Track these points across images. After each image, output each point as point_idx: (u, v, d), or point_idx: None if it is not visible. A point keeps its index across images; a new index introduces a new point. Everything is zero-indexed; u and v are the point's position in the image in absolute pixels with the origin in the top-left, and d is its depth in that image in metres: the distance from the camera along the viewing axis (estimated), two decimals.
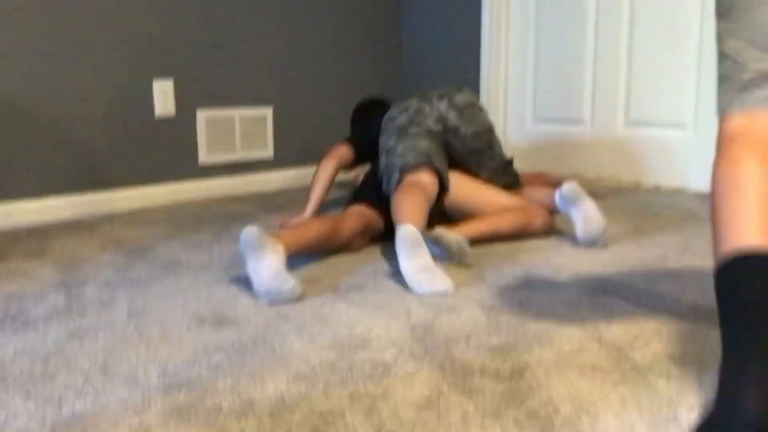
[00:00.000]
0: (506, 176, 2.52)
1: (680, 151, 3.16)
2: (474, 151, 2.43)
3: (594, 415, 1.12)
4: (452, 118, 2.38)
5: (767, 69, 1.15)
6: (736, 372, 0.98)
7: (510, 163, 2.56)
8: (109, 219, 2.69)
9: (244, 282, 1.84)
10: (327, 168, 2.59)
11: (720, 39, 1.22)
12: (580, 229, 2.18)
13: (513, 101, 3.69)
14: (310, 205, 2.55)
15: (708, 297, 1.69)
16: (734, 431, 0.93)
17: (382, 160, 2.35)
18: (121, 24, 2.82)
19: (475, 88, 3.63)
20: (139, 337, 1.49)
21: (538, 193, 2.47)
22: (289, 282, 1.71)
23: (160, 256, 2.13)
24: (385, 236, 2.24)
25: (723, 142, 1.19)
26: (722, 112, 1.23)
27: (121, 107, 2.86)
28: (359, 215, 2.22)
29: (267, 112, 3.34)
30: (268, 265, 1.72)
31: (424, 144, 2.30)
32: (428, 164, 2.23)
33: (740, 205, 1.10)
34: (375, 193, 2.31)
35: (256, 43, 3.26)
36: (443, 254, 1.99)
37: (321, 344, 1.43)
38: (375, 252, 2.16)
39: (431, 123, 2.36)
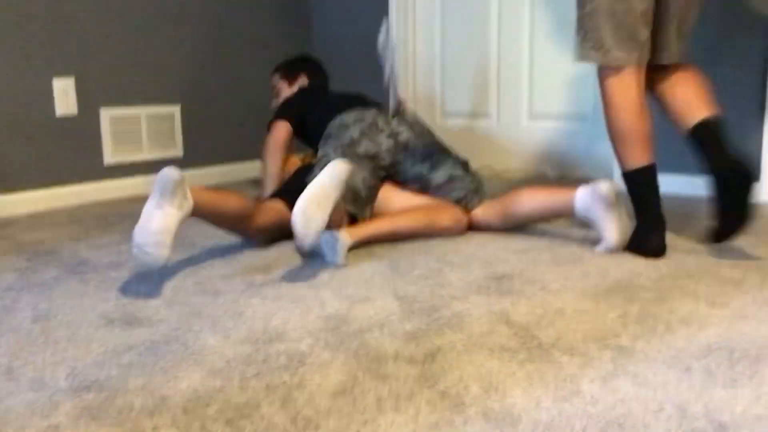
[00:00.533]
0: (468, 178, 2.37)
1: (582, 142, 3.29)
2: (426, 157, 2.36)
3: (502, 392, 1.17)
4: (403, 132, 2.37)
5: None
6: (645, 227, 2.00)
7: (466, 164, 2.43)
8: (11, 223, 2.58)
9: (156, 280, 1.81)
10: (276, 162, 2.56)
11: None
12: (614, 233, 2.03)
13: (422, 97, 3.75)
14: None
15: (609, 278, 1.77)
16: (647, 253, 1.97)
17: (319, 163, 2.33)
18: (18, 21, 2.71)
19: None
20: (45, 340, 1.44)
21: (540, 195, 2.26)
22: (164, 249, 1.66)
23: (65, 259, 2.07)
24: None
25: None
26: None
27: (20, 107, 2.75)
28: (277, 212, 2.17)
29: (174, 110, 3.27)
30: (162, 218, 1.67)
31: (357, 179, 2.23)
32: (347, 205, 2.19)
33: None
34: (299, 193, 2.23)
35: (161, 39, 3.19)
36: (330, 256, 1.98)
37: (236, 338, 1.43)
38: (289, 247, 2.16)
39: (383, 139, 2.34)
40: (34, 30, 2.76)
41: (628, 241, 2.02)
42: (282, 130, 2.62)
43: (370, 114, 2.40)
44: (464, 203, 2.30)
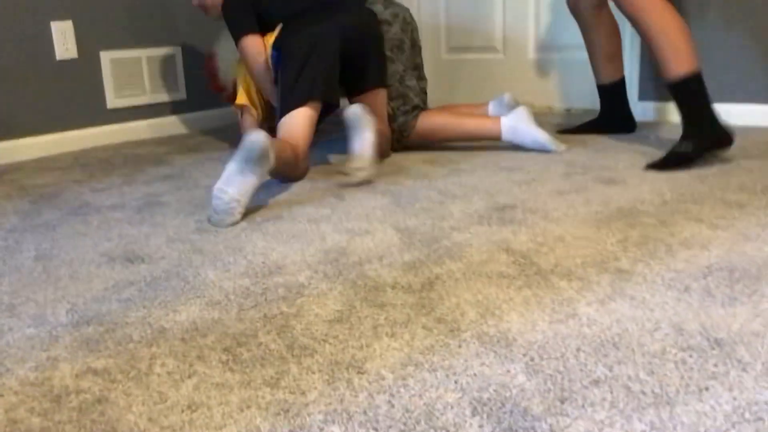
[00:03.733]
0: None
1: (588, 73, 3.22)
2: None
3: (498, 317, 1.17)
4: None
5: None
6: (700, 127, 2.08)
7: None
8: (14, 168, 2.59)
9: (158, 219, 1.82)
10: (266, 72, 2.43)
11: None
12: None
13: (426, 32, 3.67)
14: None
15: (612, 206, 1.75)
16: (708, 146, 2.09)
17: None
18: None
19: None
20: (46, 278, 1.45)
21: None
22: (236, 216, 1.76)
23: (68, 201, 2.07)
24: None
25: None
26: None
27: (19, 52, 2.72)
28: (310, 120, 2.15)
29: (176, 52, 3.23)
30: (241, 184, 1.75)
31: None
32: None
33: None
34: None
35: None
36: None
37: (235, 272, 1.43)
38: (293, 185, 2.15)
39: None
40: None
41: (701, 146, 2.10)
42: (254, 41, 2.42)
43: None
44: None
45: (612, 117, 2.68)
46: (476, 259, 1.43)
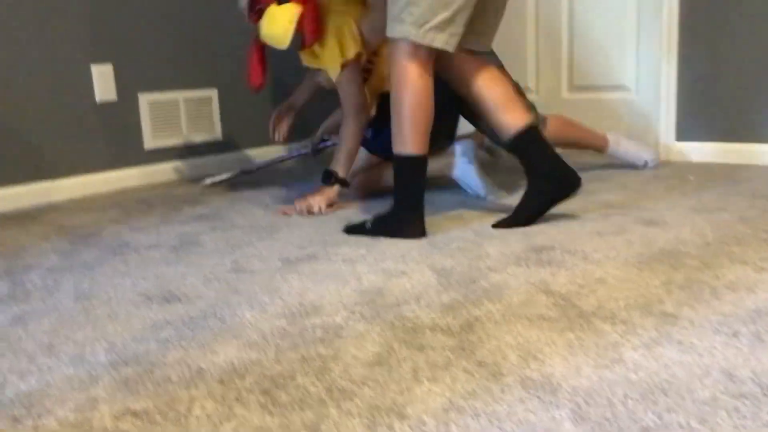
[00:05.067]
0: None
1: (624, 113, 3.20)
2: None
3: (541, 360, 1.14)
4: None
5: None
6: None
7: None
8: (53, 208, 2.63)
9: (194, 259, 1.83)
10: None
11: None
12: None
13: None
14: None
15: (654, 247, 1.72)
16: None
17: None
18: (56, 9, 2.74)
19: None
20: (85, 317, 1.46)
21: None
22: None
23: (106, 240, 2.09)
24: None
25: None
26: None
27: (60, 94, 2.78)
28: None
29: (212, 94, 3.29)
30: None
31: None
32: None
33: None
34: None
35: (197, 22, 3.20)
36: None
37: (272, 313, 1.43)
38: (323, 220, 2.15)
39: None
40: (72, 18, 2.79)
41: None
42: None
43: None
44: None
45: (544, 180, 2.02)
46: (515, 301, 1.41)
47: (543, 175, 1.98)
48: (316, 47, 2.30)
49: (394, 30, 1.91)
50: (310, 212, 2.29)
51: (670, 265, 1.58)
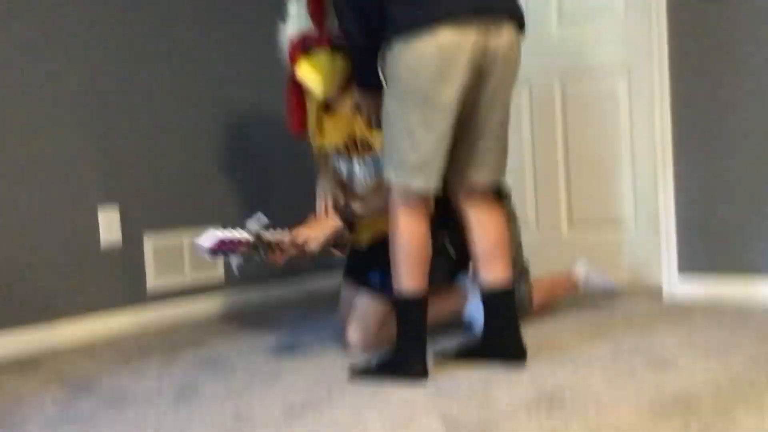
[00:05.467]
0: None
1: (625, 250, 3.22)
2: None
3: None
4: None
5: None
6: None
7: None
8: (53, 354, 2.58)
9: (195, 408, 1.78)
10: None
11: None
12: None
13: None
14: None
15: (665, 392, 1.68)
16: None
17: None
18: (62, 151, 2.82)
19: None
20: None
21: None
22: None
23: (105, 390, 2.05)
24: None
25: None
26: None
27: (65, 237, 2.81)
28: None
29: None
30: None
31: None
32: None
33: None
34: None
35: (201, 163, 3.28)
36: None
37: None
38: (326, 364, 2.11)
39: None
40: (79, 161, 2.86)
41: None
42: None
43: None
44: None
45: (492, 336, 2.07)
46: None
47: (493, 338, 2.03)
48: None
49: (383, 174, 1.99)
50: (302, 250, 2.15)
51: (685, 411, 1.53)
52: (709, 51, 2.80)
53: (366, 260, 2.38)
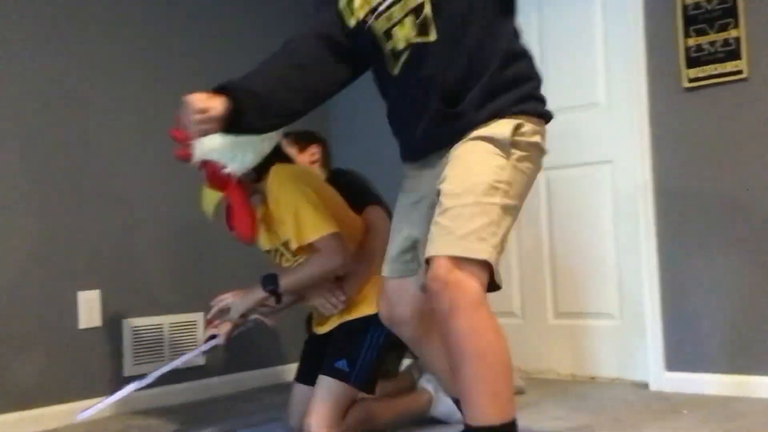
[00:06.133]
0: None
1: (611, 341, 3.19)
2: None
3: None
4: None
5: None
6: None
7: None
8: None
9: None
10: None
11: None
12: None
13: None
14: None
15: None
16: None
17: None
18: (42, 236, 2.80)
19: None
20: None
21: None
22: None
23: None
24: None
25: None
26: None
27: (42, 320, 2.76)
28: None
29: (198, 317, 3.27)
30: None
31: None
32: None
33: None
34: None
35: (187, 250, 3.26)
36: None
37: None
38: None
39: None
40: (59, 246, 2.84)
41: None
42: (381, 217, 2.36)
43: None
44: None
45: None
46: None
47: None
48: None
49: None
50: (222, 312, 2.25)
51: None
52: (691, 142, 2.85)
53: (333, 348, 2.26)
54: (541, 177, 3.37)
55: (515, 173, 1.60)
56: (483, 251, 1.48)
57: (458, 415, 2.23)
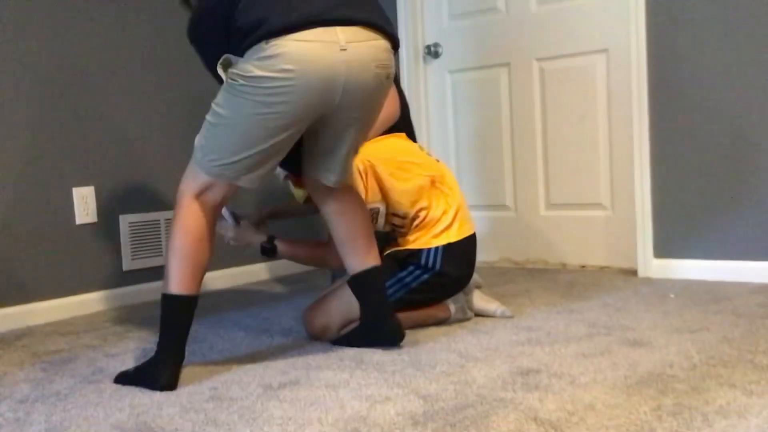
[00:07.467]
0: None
1: (601, 230, 3.25)
2: None
3: None
4: None
5: None
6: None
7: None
8: (28, 333, 2.56)
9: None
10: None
11: None
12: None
13: None
14: None
15: (640, 369, 1.70)
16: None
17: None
18: (36, 133, 2.78)
19: None
20: None
21: None
22: None
23: (81, 368, 2.03)
24: None
25: None
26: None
27: (40, 216, 2.78)
28: None
29: None
30: None
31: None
32: None
33: None
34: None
35: (178, 147, 3.26)
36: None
37: None
38: (309, 346, 2.11)
39: None
40: (54, 146, 2.83)
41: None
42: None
43: None
44: None
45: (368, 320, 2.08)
46: (504, 430, 1.37)
47: (367, 321, 2.05)
48: None
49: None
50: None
51: (659, 389, 1.56)
52: (688, 34, 2.82)
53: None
54: (534, 66, 3.41)
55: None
56: None
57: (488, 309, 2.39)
